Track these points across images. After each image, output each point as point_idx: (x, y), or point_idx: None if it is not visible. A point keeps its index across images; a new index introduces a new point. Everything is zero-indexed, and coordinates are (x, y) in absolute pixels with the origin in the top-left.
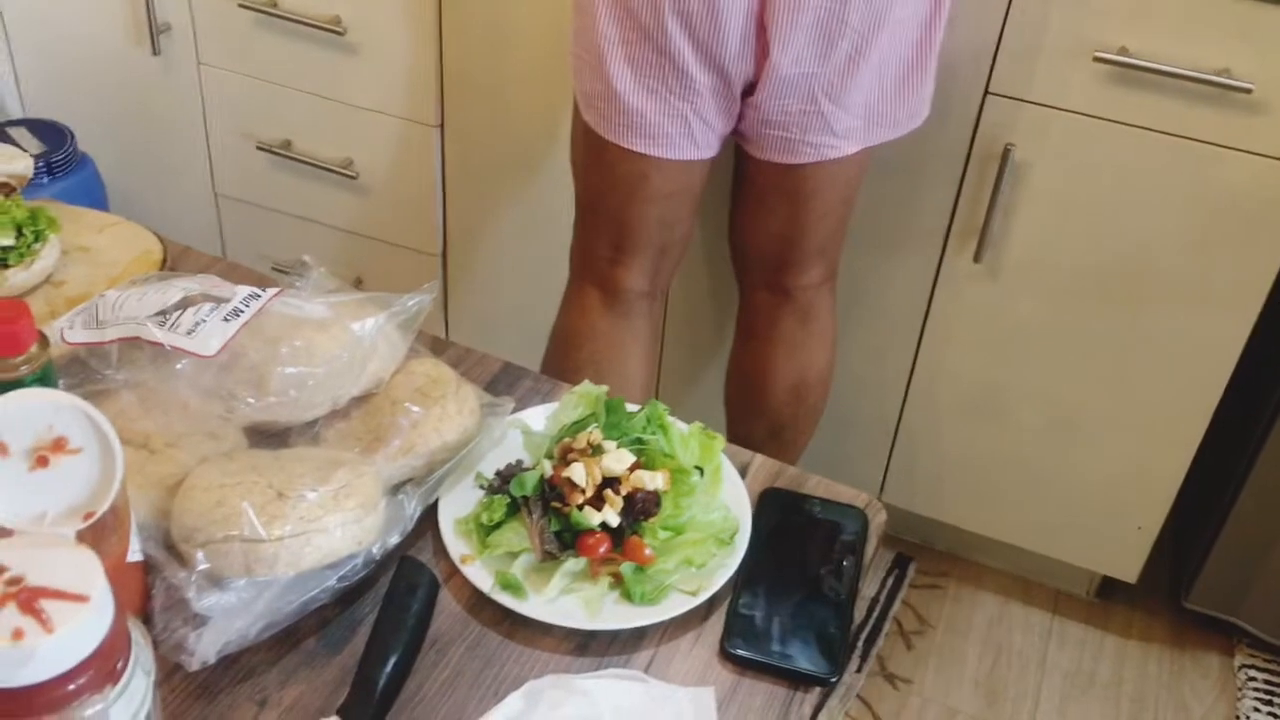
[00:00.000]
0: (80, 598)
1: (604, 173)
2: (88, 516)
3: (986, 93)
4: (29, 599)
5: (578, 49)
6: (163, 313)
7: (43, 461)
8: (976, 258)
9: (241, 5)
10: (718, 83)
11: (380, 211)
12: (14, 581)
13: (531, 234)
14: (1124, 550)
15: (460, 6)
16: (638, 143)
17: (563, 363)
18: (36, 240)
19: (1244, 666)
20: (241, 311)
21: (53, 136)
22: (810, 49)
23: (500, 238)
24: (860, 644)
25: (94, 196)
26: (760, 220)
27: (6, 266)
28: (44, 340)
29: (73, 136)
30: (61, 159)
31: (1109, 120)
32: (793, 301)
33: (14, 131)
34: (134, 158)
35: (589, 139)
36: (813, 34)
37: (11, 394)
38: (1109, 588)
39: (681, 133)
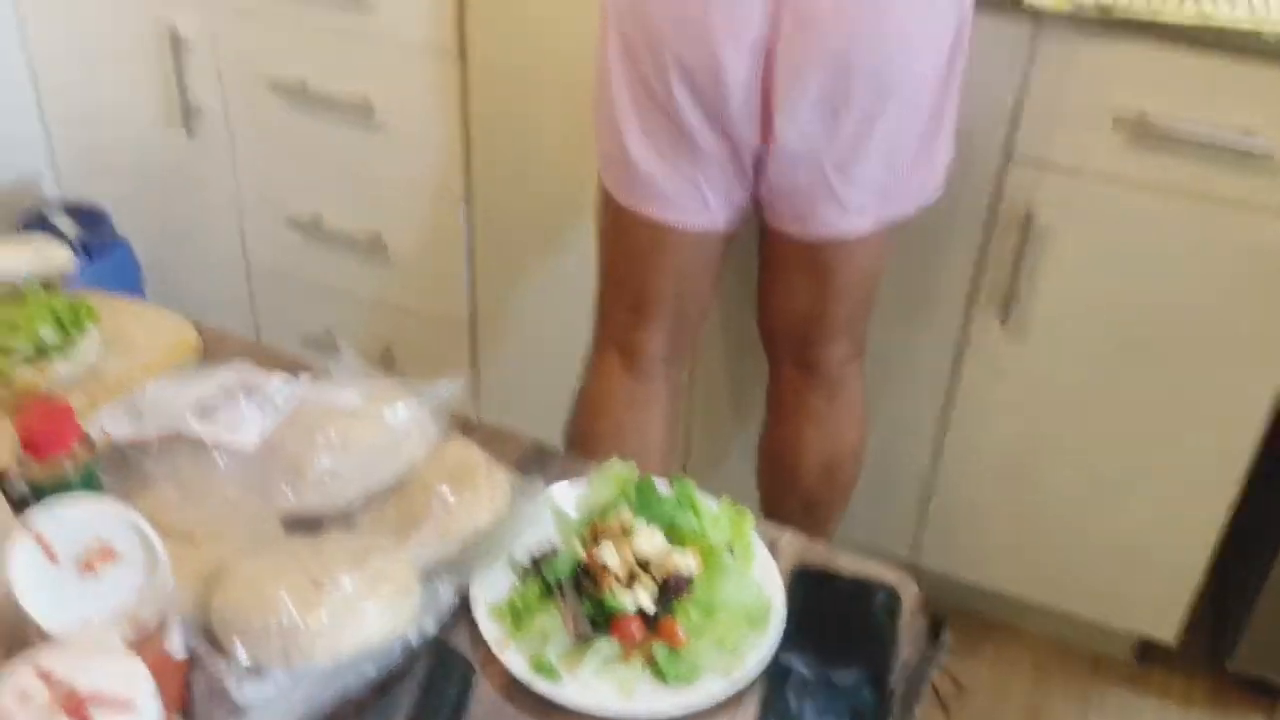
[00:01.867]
0: (127, 704)
1: (620, 237)
2: (135, 623)
3: (1007, 158)
4: (77, 707)
5: (598, 113)
6: (201, 405)
7: (90, 569)
8: (1003, 320)
9: (272, 88)
10: (726, 151)
11: (409, 282)
12: (63, 689)
13: (560, 303)
14: (1162, 611)
15: (486, 92)
16: (651, 208)
17: (585, 428)
18: (78, 332)
19: None
20: (277, 403)
21: (89, 220)
22: (816, 123)
23: (529, 307)
24: (897, 710)
25: (129, 278)
26: (783, 295)
27: (49, 360)
28: (88, 440)
29: (109, 219)
30: (98, 242)
31: (1131, 183)
32: (819, 377)
33: (55, 218)
34: (168, 235)
35: (608, 203)
36: (818, 108)
37: (61, 501)
38: (1149, 652)
39: (694, 200)
